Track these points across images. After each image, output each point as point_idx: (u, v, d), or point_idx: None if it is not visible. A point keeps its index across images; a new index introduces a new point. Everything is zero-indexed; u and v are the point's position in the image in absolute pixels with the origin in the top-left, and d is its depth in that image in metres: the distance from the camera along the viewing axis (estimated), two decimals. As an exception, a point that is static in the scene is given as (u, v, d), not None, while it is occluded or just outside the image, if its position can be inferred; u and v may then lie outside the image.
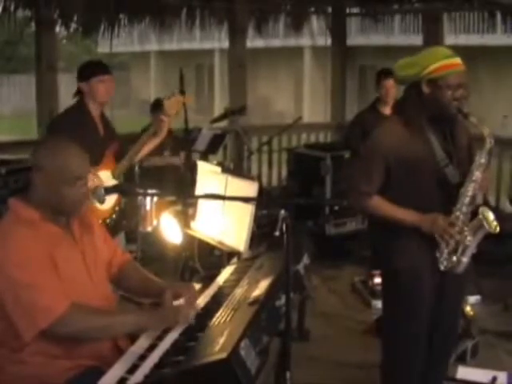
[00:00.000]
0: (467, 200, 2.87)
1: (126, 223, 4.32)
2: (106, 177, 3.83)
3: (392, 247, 3.00)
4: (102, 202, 2.58)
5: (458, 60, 2.85)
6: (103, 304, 2.46)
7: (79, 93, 3.98)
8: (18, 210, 2.35)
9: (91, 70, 3.96)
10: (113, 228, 4.00)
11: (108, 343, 2.42)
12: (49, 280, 2.24)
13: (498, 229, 2.83)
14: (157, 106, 5.60)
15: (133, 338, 2.39)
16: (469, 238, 2.85)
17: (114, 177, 3.92)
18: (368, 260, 5.28)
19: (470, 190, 2.87)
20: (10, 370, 2.30)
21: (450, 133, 2.96)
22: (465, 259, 2.89)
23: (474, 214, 2.87)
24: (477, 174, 2.87)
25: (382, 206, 2.95)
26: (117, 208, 4.00)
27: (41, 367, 2.29)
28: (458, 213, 2.87)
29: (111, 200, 3.90)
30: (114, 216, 4.00)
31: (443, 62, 2.82)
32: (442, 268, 2.91)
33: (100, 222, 3.83)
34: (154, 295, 2.57)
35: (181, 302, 2.50)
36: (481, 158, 2.88)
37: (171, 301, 2.45)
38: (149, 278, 2.67)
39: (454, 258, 2.89)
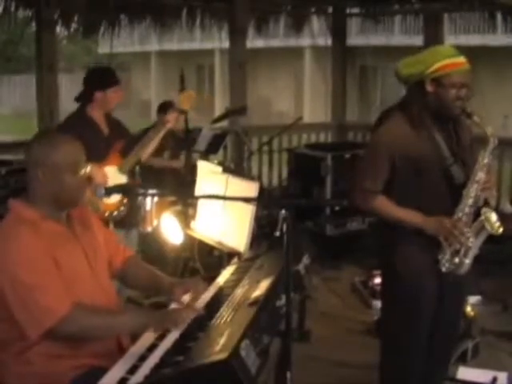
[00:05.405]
0: (470, 201, 2.84)
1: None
2: (112, 172, 3.87)
3: (394, 248, 2.99)
4: (101, 200, 2.60)
5: (462, 59, 2.82)
6: (106, 300, 2.47)
7: (82, 97, 4.00)
8: (18, 211, 2.35)
9: (109, 79, 3.99)
10: (121, 221, 4.03)
11: (113, 342, 2.43)
12: (52, 280, 2.24)
13: (500, 230, 2.80)
14: (163, 108, 5.61)
15: (134, 338, 2.39)
16: (471, 239, 2.83)
17: (121, 171, 3.95)
18: (368, 260, 5.27)
19: (472, 190, 2.84)
20: (16, 370, 2.30)
21: (454, 132, 2.94)
22: (467, 261, 2.87)
23: (478, 214, 2.85)
24: (480, 175, 2.84)
25: (386, 206, 2.93)
26: (125, 201, 4.03)
27: (46, 367, 2.29)
28: (460, 214, 2.85)
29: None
30: (121, 208, 4.02)
31: (448, 61, 2.79)
32: (443, 270, 2.89)
33: (106, 215, 3.87)
34: (162, 292, 2.61)
35: (187, 298, 2.53)
36: (484, 159, 2.85)
37: (181, 297, 2.50)
38: (156, 275, 2.69)
39: (457, 260, 2.87)
